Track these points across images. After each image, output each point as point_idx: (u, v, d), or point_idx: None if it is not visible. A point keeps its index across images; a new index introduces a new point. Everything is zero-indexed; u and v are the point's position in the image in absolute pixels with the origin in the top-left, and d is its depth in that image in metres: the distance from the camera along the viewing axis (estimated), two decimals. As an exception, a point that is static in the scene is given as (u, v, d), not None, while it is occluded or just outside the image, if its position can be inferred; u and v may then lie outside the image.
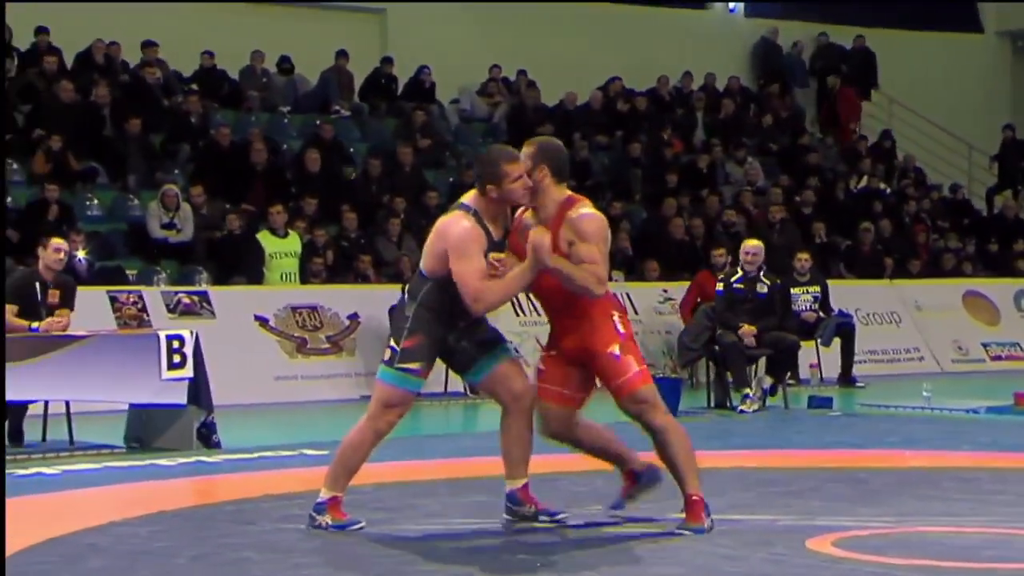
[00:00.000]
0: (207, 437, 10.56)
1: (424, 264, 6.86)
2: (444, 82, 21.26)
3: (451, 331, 6.83)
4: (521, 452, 7.00)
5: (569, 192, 6.77)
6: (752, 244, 13.98)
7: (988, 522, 7.10)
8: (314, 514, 6.92)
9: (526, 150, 6.75)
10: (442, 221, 6.84)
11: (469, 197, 6.85)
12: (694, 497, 6.67)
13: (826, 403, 13.48)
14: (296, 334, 15.11)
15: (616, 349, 6.67)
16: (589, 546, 6.63)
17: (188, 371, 10.38)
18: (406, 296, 6.92)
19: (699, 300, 15.34)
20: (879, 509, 7.52)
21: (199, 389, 10.48)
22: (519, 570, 6.19)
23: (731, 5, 25.27)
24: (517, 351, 16.26)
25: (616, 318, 6.74)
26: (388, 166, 18.84)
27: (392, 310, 7.17)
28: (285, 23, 21.06)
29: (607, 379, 6.72)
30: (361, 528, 6.88)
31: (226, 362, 13.38)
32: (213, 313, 14.69)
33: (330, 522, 6.87)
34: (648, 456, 7.00)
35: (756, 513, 7.36)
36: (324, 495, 6.95)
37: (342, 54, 20.58)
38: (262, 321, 15.02)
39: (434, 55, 21.38)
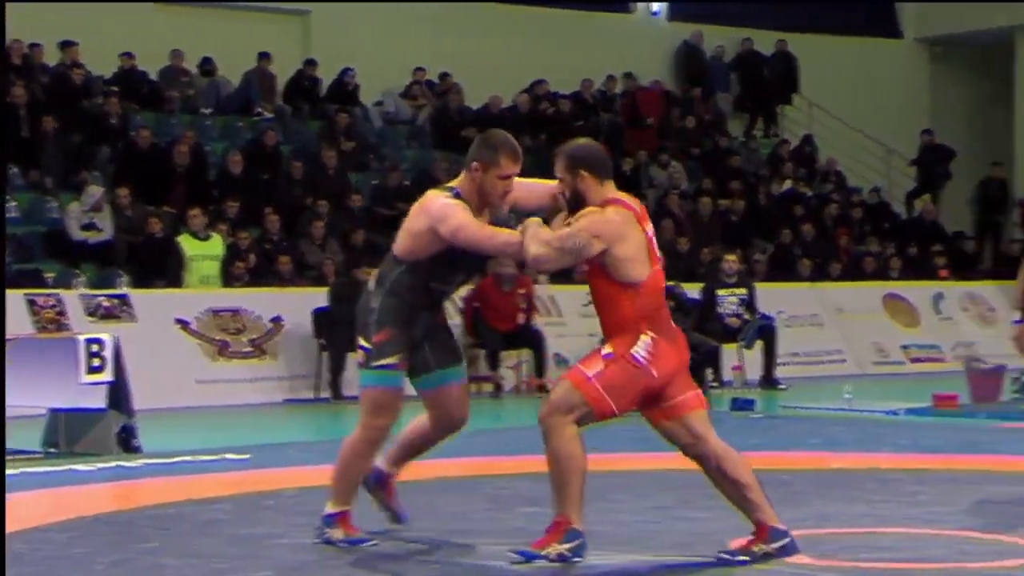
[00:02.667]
0: (127, 441, 10.45)
1: (397, 246, 6.59)
2: (368, 84, 21.20)
3: (417, 325, 6.57)
4: (413, 452, 6.93)
5: (615, 192, 6.22)
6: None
7: (908, 522, 7.17)
8: (324, 527, 6.66)
9: (559, 164, 6.22)
10: (422, 199, 6.58)
11: (455, 181, 6.58)
12: (559, 519, 5.99)
13: (749, 405, 13.55)
14: (218, 337, 15.00)
15: (607, 350, 5.98)
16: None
17: (108, 375, 10.26)
18: (373, 284, 6.68)
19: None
20: (801, 510, 7.55)
21: (119, 393, 10.37)
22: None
23: (654, 8, 25.36)
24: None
25: (646, 339, 5.97)
26: (311, 168, 18.77)
27: (357, 306, 6.87)
28: (206, 24, 20.90)
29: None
30: (374, 546, 6.61)
31: (147, 366, 13.25)
32: (134, 316, 14.56)
33: (342, 537, 6.61)
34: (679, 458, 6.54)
35: (677, 514, 7.39)
36: (332, 509, 6.67)
37: (265, 56, 20.47)
38: (183, 324, 14.90)
39: (357, 57, 21.31)
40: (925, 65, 27.84)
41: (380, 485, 6.92)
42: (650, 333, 5.99)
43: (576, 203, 6.15)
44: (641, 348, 5.98)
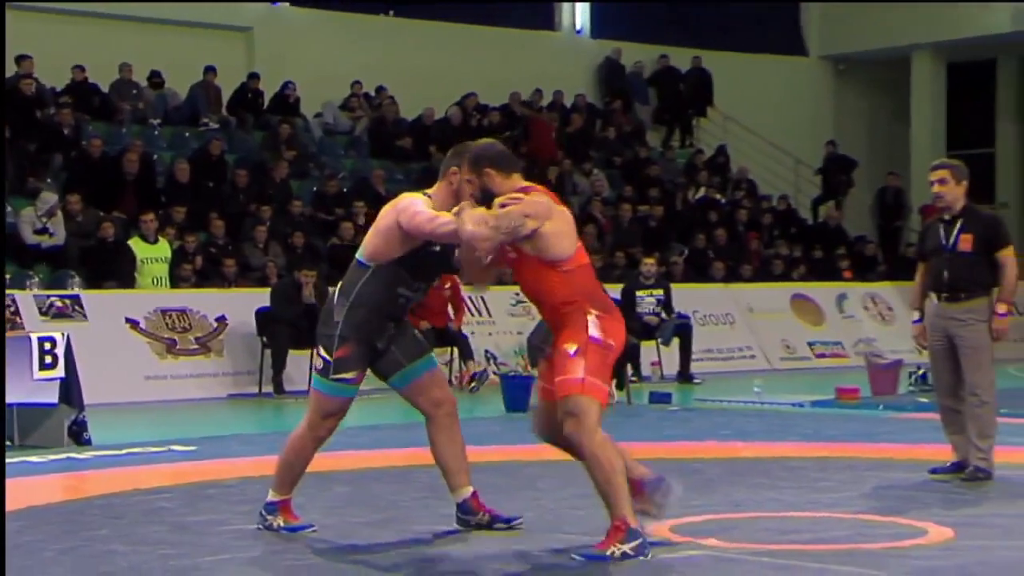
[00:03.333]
0: (78, 434, 10.34)
1: (364, 249, 6.39)
2: (308, 97, 21.12)
3: (382, 334, 6.41)
4: (455, 462, 6.56)
5: (523, 182, 6.14)
6: None
7: (812, 507, 7.21)
8: (265, 514, 6.61)
9: (464, 168, 6.19)
10: (394, 200, 6.38)
11: (431, 189, 6.37)
12: (616, 522, 5.87)
13: (665, 398, 13.59)
14: (166, 336, 14.88)
15: (572, 348, 5.88)
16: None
17: (59, 371, 10.14)
18: (337, 295, 6.46)
19: None
20: (713, 497, 7.60)
21: (70, 388, 10.26)
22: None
23: (578, 26, 25.43)
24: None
25: (592, 318, 5.92)
26: (256, 176, 18.67)
27: (320, 313, 6.68)
28: (155, 39, 20.72)
29: (554, 375, 5.95)
30: (314, 532, 6.56)
31: (98, 363, 13.14)
32: (85, 316, 14.41)
33: (283, 524, 6.56)
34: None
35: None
36: (274, 497, 6.62)
37: (210, 69, 20.34)
38: (133, 323, 14.76)
39: (298, 71, 21.25)
40: (829, 81, 28.08)
41: (473, 511, 6.61)
42: (593, 311, 5.94)
43: (487, 201, 6.07)
44: (593, 328, 5.91)
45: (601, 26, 25.46)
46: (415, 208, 6.19)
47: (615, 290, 16.24)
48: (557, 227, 5.95)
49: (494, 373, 15.53)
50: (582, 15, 25.42)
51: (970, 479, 8.06)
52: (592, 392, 5.85)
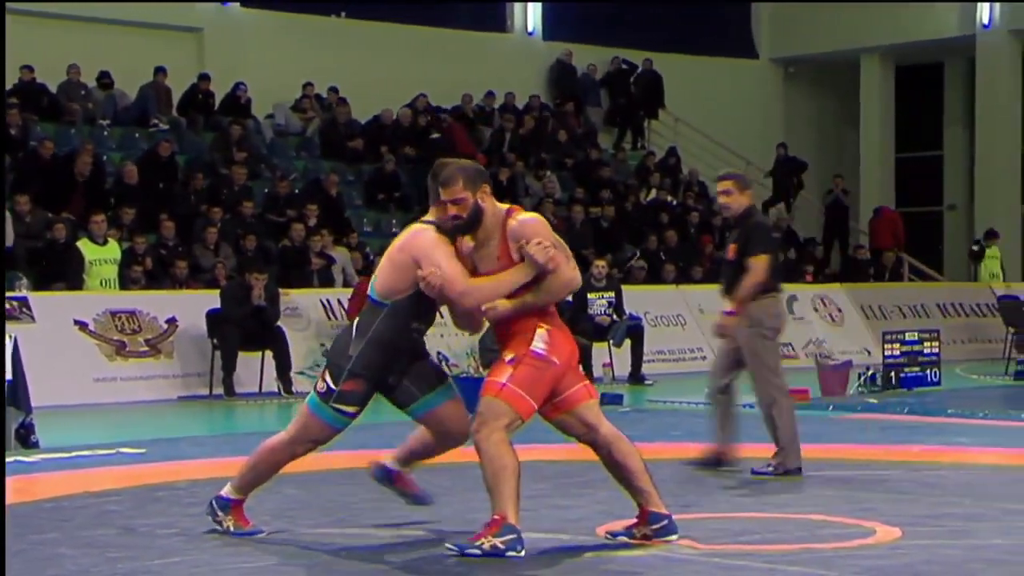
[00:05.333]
0: (25, 437, 10.24)
1: (378, 287, 6.24)
2: (259, 98, 21.05)
3: (393, 371, 6.31)
4: (417, 456, 6.65)
5: (506, 204, 6.28)
6: None
7: (762, 508, 7.25)
8: (217, 509, 6.50)
9: (455, 184, 6.10)
10: (402, 235, 6.25)
11: (429, 215, 6.28)
12: (496, 516, 5.91)
13: (617, 399, 13.61)
14: (115, 337, 14.78)
15: (509, 356, 5.97)
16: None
17: (6, 374, 10.03)
18: (354, 330, 6.31)
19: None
20: (664, 498, 7.59)
21: (17, 391, 10.15)
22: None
23: (530, 28, 25.46)
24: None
25: (542, 331, 5.99)
26: (205, 177, 18.59)
27: (333, 343, 6.58)
28: (105, 39, 20.59)
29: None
30: (263, 536, 6.49)
31: (46, 365, 13.04)
32: (33, 317, 14.28)
33: (232, 528, 6.48)
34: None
35: (550, 502, 7.40)
36: (230, 493, 6.52)
37: (161, 70, 20.23)
38: (82, 325, 14.65)
39: (249, 72, 21.17)
40: (779, 84, 28.25)
41: (390, 479, 6.71)
42: (544, 325, 6.01)
43: (478, 218, 6.10)
44: (539, 341, 5.98)
45: (553, 28, 25.50)
46: (438, 260, 6.06)
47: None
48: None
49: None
50: (534, 17, 25.45)
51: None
52: (509, 399, 5.91)
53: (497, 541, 5.86)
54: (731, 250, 8.58)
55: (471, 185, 6.14)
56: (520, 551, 5.87)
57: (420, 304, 6.25)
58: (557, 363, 5.99)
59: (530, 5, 25.43)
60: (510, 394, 5.91)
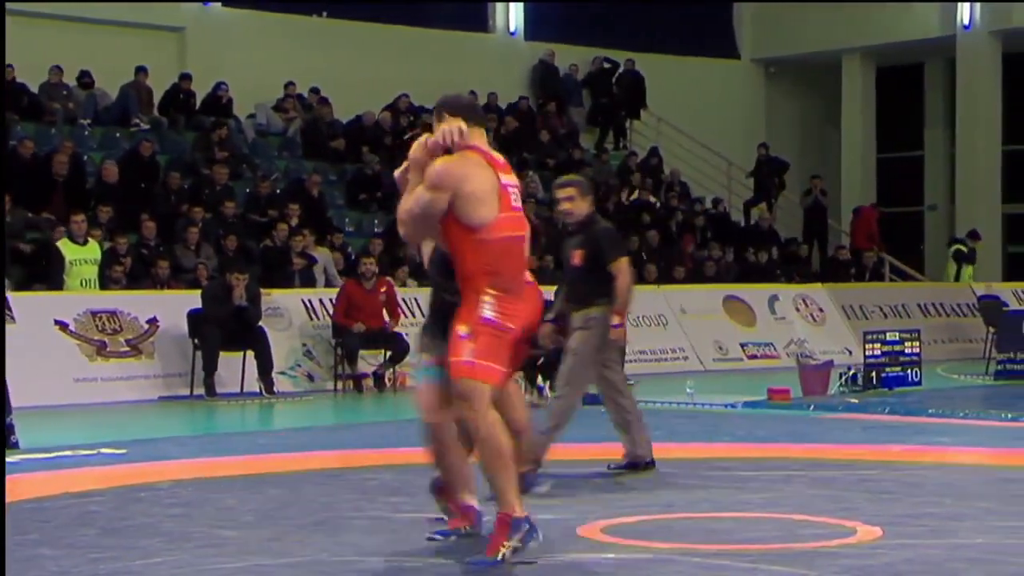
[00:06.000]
0: (5, 438, 10.19)
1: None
2: (240, 98, 21.01)
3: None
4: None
5: (481, 141, 5.92)
6: None
7: (743, 507, 7.26)
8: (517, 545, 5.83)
9: (439, 113, 5.95)
10: None
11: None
12: (501, 515, 5.73)
13: (594, 400, 13.59)
14: (96, 338, 14.74)
15: (463, 330, 5.68)
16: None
17: (-12, 374, 9.99)
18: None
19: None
20: (647, 497, 7.63)
21: (-3, 391, 10.11)
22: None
23: (512, 28, 25.47)
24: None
25: (488, 299, 5.68)
26: (188, 177, 18.56)
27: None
28: (86, 39, 20.54)
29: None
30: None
31: (26, 365, 13.00)
32: (13, 318, 14.22)
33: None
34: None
35: (530, 503, 7.39)
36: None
37: (142, 70, 20.18)
38: (62, 325, 14.60)
39: (231, 72, 21.13)
40: (761, 84, 28.30)
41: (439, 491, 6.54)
42: (491, 291, 5.70)
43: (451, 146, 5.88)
44: (487, 309, 5.70)
45: (535, 28, 25.51)
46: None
47: (549, 292, 16.27)
48: (474, 190, 5.69)
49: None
50: (516, 17, 25.46)
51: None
52: (481, 375, 5.66)
53: (514, 542, 5.67)
54: (577, 256, 8.48)
55: (457, 115, 5.92)
56: (538, 537, 5.73)
57: (440, 273, 6.26)
58: (513, 328, 5.74)
59: (512, 5, 25.43)
60: (482, 370, 5.66)
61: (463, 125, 5.86)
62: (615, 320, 8.39)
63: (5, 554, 5.45)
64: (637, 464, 8.59)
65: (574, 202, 8.50)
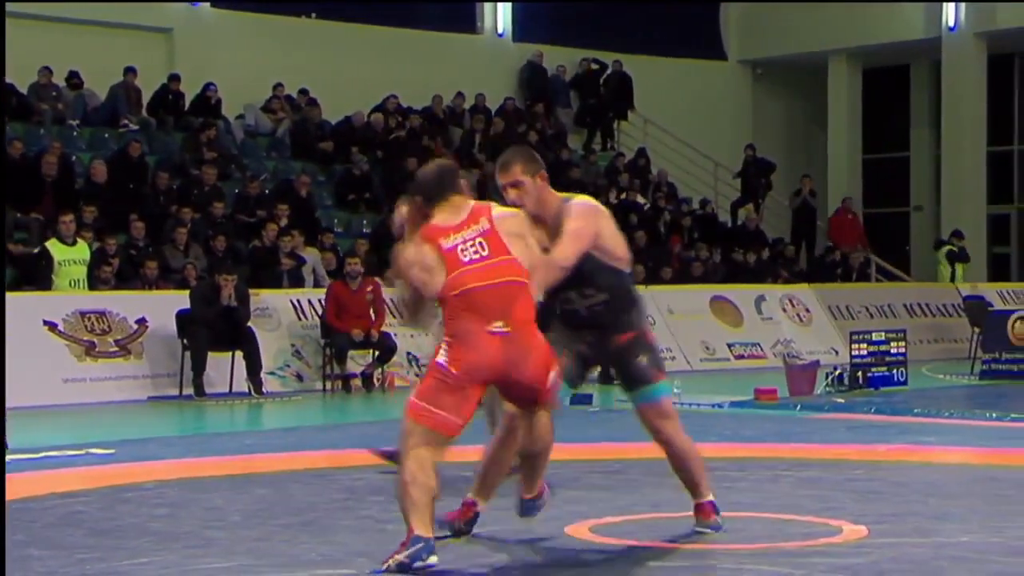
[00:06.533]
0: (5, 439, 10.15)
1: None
2: (229, 98, 20.98)
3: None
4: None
5: (435, 218, 6.09)
6: None
7: (731, 507, 7.25)
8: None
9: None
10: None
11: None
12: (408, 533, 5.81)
13: (587, 400, 13.60)
14: (85, 338, 14.71)
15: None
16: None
17: (-25, 375, 9.95)
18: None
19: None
20: (634, 497, 7.63)
21: (-14, 392, 10.08)
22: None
23: (500, 30, 25.46)
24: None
25: (444, 346, 5.88)
26: (177, 178, 18.53)
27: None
28: (74, 40, 20.50)
29: None
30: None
31: (15, 366, 12.87)
32: (2, 318, 14.17)
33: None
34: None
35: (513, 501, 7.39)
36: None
37: (130, 70, 20.14)
38: (51, 326, 14.57)
39: (219, 73, 21.10)
40: (747, 85, 28.32)
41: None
42: (447, 338, 5.87)
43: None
44: (440, 354, 5.86)
45: (523, 29, 25.51)
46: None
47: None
48: (420, 271, 5.93)
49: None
50: (504, 18, 25.45)
51: None
52: (414, 415, 5.81)
53: (402, 556, 5.70)
54: None
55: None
56: (426, 558, 5.72)
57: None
58: (455, 373, 5.80)
59: (500, 6, 25.43)
60: (415, 409, 5.82)
61: (403, 212, 6.19)
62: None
63: (5, 554, 5.44)
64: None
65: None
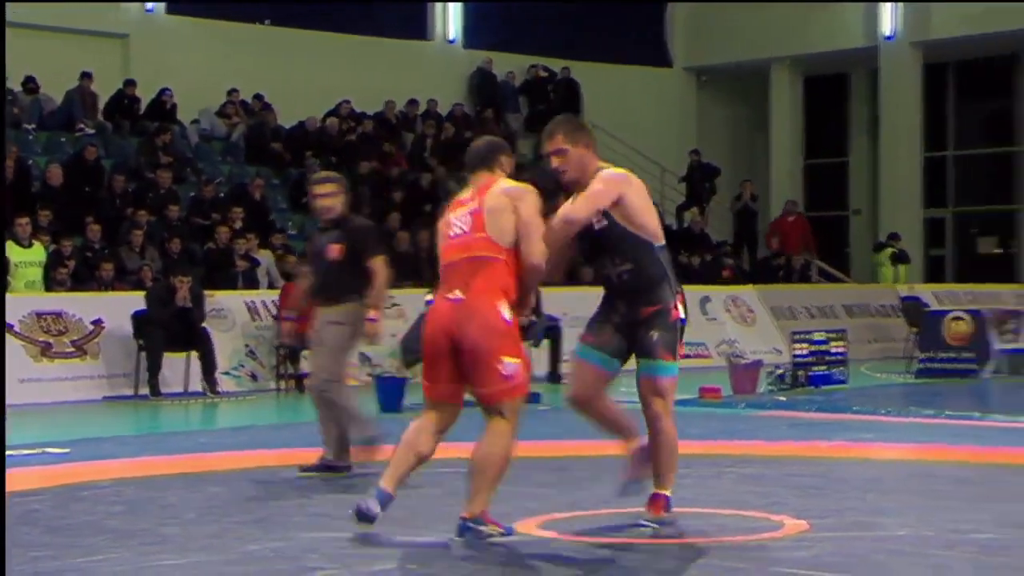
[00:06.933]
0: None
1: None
2: (184, 103, 20.86)
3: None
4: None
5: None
6: None
7: (676, 502, 7.25)
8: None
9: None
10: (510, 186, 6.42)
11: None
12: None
13: (535, 398, 13.58)
14: (41, 339, 14.57)
15: None
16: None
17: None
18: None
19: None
20: (579, 494, 7.63)
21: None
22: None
23: (450, 36, 25.44)
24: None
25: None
26: (133, 181, 18.39)
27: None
28: (30, 45, 20.29)
29: None
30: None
31: (-29, 366, 12.80)
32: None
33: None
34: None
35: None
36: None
37: (86, 75, 19.98)
38: (7, 327, 14.41)
39: (175, 78, 20.97)
40: (692, 91, 28.42)
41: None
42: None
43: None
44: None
45: (473, 36, 25.49)
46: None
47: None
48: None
49: (368, 375, 15.45)
50: (455, 25, 25.43)
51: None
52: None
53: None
54: (336, 250, 8.34)
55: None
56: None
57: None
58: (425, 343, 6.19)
59: (451, 13, 25.40)
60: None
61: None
62: (371, 314, 8.28)
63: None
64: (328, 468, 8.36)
65: (336, 197, 8.45)
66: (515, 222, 6.18)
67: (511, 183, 6.33)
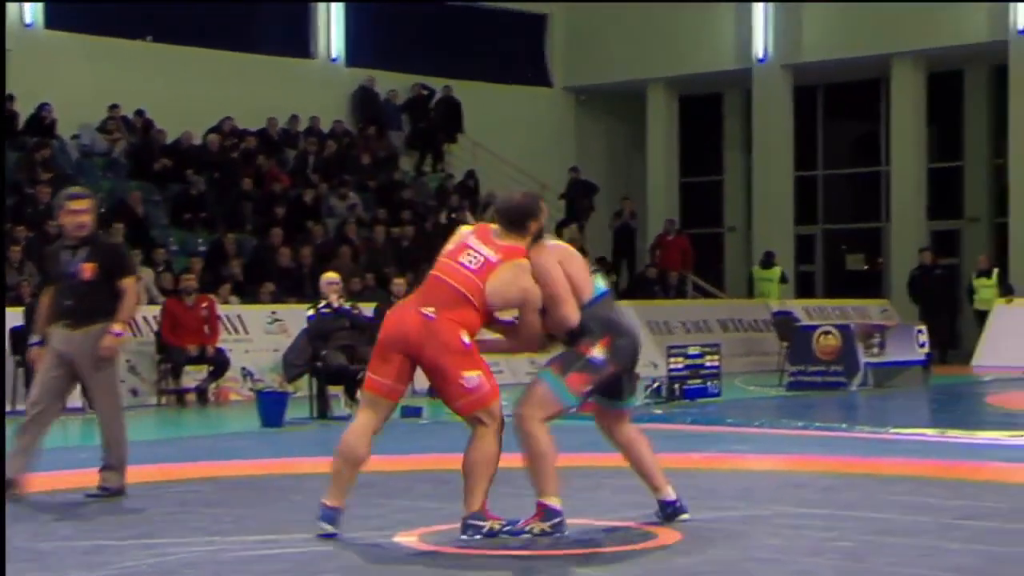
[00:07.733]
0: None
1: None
2: (64, 119, 20.51)
3: None
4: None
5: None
6: (328, 276, 14.11)
7: (572, 513, 7.27)
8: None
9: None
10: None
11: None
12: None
13: (416, 412, 13.58)
14: (-84, 355, 14.17)
15: None
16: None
17: None
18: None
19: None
20: (460, 506, 7.59)
21: None
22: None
23: (333, 55, 25.33)
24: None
25: None
26: (11, 197, 18.02)
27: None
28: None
29: None
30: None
31: None
32: None
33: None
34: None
35: (350, 512, 7.32)
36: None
37: (-36, 90, 19.55)
38: None
39: (54, 93, 20.60)
40: (571, 111, 28.62)
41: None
42: None
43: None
44: None
45: (355, 55, 25.42)
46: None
47: (368, 308, 16.20)
48: None
49: (250, 389, 15.30)
50: (337, 44, 25.33)
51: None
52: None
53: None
54: (88, 269, 8.01)
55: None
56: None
57: None
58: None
59: (334, 32, 25.30)
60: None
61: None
62: (116, 328, 7.99)
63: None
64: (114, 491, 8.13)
65: (89, 215, 8.13)
66: (515, 298, 6.56)
67: (528, 263, 6.61)
